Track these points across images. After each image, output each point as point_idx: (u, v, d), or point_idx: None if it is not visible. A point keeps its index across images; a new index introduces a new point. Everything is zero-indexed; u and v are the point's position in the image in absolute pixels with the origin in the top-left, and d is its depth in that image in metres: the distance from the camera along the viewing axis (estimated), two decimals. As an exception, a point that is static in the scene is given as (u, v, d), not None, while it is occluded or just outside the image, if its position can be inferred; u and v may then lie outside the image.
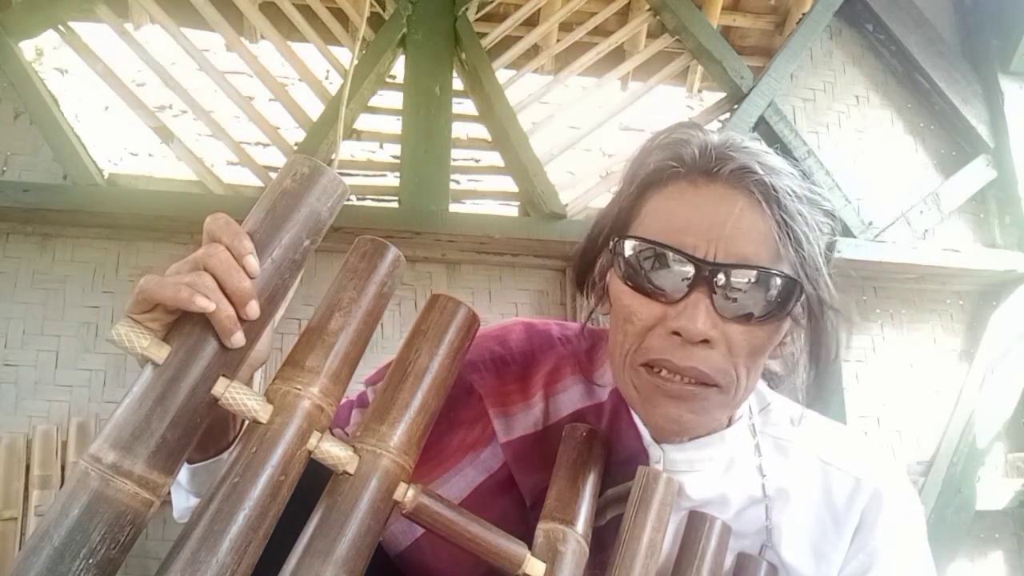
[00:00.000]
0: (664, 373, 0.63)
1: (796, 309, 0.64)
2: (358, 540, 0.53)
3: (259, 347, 0.58)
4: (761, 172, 0.62)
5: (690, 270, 0.61)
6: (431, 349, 0.61)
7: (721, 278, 0.61)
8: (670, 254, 0.62)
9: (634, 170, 0.69)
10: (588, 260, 0.74)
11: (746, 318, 0.62)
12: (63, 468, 1.71)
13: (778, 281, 0.61)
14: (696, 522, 0.70)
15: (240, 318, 0.53)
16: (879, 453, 0.78)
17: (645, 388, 0.64)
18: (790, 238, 0.62)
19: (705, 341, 0.61)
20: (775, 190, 0.62)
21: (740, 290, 0.61)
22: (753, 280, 0.61)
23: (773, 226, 0.62)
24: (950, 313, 2.32)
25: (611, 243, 0.68)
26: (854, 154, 2.33)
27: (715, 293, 0.61)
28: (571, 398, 0.77)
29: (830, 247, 0.67)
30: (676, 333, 0.61)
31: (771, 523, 0.73)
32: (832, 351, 0.67)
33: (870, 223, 2.21)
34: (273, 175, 0.64)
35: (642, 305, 0.64)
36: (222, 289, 0.52)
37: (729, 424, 0.74)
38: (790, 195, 0.62)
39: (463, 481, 0.75)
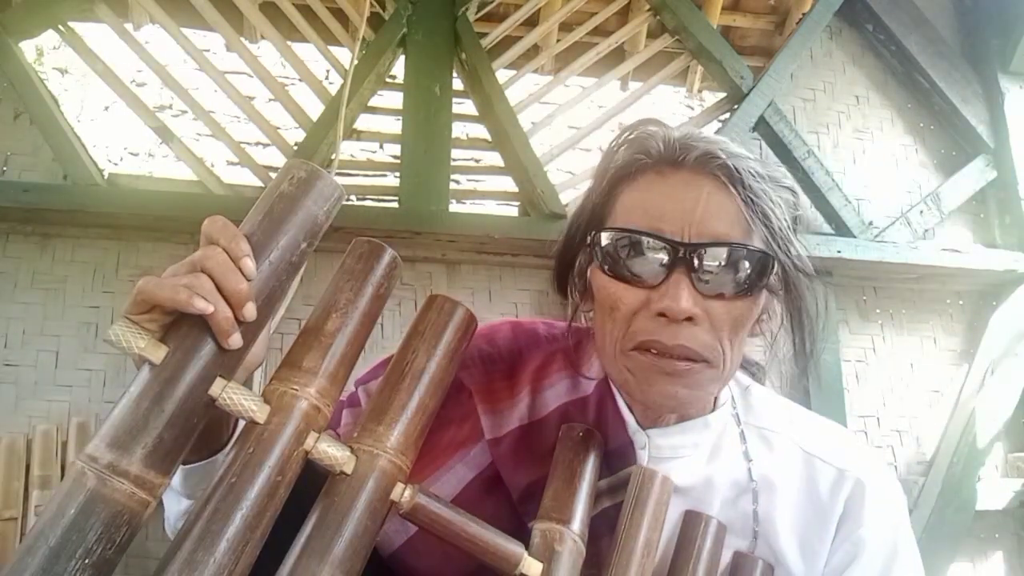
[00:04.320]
0: (655, 353, 0.65)
1: (773, 281, 0.68)
2: (355, 540, 0.54)
3: (254, 349, 0.58)
4: (724, 156, 0.66)
5: (668, 253, 0.65)
6: (428, 350, 0.61)
7: (698, 257, 0.64)
8: (648, 240, 0.65)
9: (604, 167, 0.74)
10: (567, 260, 0.77)
11: (725, 293, 0.65)
12: (63, 468, 1.70)
13: (752, 254, 0.65)
14: (692, 521, 0.70)
15: (237, 320, 0.53)
16: (861, 445, 0.80)
17: (640, 370, 0.67)
18: (757, 214, 0.65)
19: (689, 319, 0.64)
20: (738, 171, 0.66)
21: (717, 267, 0.64)
22: (728, 256, 0.64)
23: (741, 205, 0.65)
24: (950, 313, 2.31)
25: (589, 238, 0.71)
26: (854, 154, 2.32)
27: (693, 272, 0.64)
28: (557, 393, 0.78)
29: (796, 220, 0.70)
30: (662, 314, 0.64)
31: (759, 508, 0.74)
32: (814, 317, 0.70)
33: (870, 223, 2.21)
34: (273, 175, 0.65)
35: (626, 292, 0.67)
36: (220, 291, 0.52)
37: (713, 409, 0.76)
38: (752, 175, 0.66)
39: (454, 479, 0.76)
